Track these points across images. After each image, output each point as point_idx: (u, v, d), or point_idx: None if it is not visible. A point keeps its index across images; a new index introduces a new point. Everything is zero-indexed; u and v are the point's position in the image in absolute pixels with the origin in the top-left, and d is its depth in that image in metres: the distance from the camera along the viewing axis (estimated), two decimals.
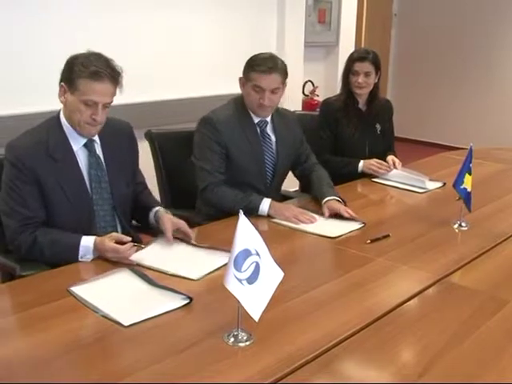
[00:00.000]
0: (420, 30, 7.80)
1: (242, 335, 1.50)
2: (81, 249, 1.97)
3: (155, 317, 1.61)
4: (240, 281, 1.41)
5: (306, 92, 5.74)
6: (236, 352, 1.47)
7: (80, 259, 1.97)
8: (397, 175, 3.09)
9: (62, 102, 2.07)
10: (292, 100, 5.20)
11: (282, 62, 2.59)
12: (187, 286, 1.78)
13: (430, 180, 3.04)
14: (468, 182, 2.35)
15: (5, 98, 3.39)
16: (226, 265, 1.50)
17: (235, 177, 2.61)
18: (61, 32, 3.56)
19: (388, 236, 2.29)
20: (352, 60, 3.19)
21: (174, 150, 2.81)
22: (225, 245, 1.74)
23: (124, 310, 1.63)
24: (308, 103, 5.66)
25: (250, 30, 4.77)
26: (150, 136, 2.85)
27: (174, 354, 1.45)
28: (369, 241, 2.23)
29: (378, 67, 3.18)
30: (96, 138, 2.15)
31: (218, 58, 4.50)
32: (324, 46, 5.86)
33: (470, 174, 2.36)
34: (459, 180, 2.35)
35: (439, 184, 3.04)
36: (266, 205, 2.48)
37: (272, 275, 1.49)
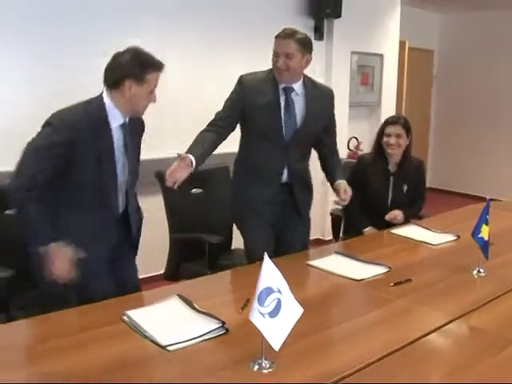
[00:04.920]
0: (459, 91, 7.88)
1: (266, 363, 1.59)
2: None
3: (194, 338, 1.72)
4: (263, 314, 1.51)
5: (351, 147, 5.85)
6: (259, 378, 1.55)
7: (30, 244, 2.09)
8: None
9: (126, 96, 2.19)
10: None
11: (305, 35, 2.68)
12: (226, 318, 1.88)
13: (445, 233, 3.05)
14: (485, 232, 2.38)
15: None
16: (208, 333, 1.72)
17: (255, 128, 2.74)
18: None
19: (410, 280, 2.33)
20: (385, 123, 3.33)
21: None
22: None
23: (167, 332, 1.76)
24: (352, 157, 5.76)
25: None
26: (159, 176, 2.94)
27: (204, 378, 1.55)
28: (392, 284, 2.29)
29: (408, 131, 3.26)
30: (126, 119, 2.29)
31: None
32: (367, 105, 5.99)
33: (486, 225, 2.39)
34: (477, 230, 2.39)
35: (452, 237, 3.01)
36: None
37: (292, 311, 1.58)
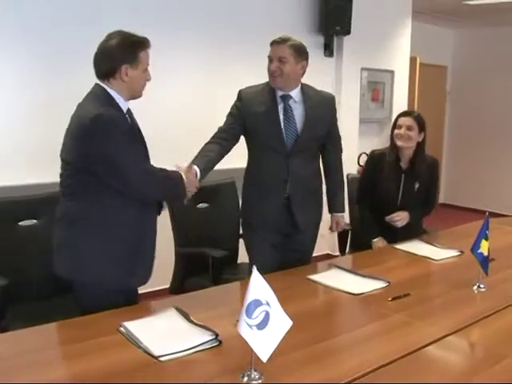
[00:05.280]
0: (473, 107, 7.88)
1: (255, 374, 1.60)
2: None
3: (187, 350, 1.74)
4: (250, 326, 1.53)
5: (361, 163, 5.85)
6: None
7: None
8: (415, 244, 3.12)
9: (125, 81, 2.16)
10: (346, 170, 5.32)
11: (299, 42, 2.74)
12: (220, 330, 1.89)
13: (449, 248, 3.02)
14: (484, 247, 2.38)
15: None
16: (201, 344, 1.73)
17: (257, 138, 2.79)
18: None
19: (409, 295, 2.33)
20: (398, 116, 3.33)
21: None
22: None
23: (160, 344, 1.78)
24: None
25: None
26: None
27: None
28: (390, 298, 2.29)
29: (421, 126, 3.22)
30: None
31: None
32: (377, 121, 6.00)
33: (486, 240, 2.39)
34: (476, 245, 2.39)
35: (456, 252, 2.97)
36: None
37: (281, 323, 1.59)
